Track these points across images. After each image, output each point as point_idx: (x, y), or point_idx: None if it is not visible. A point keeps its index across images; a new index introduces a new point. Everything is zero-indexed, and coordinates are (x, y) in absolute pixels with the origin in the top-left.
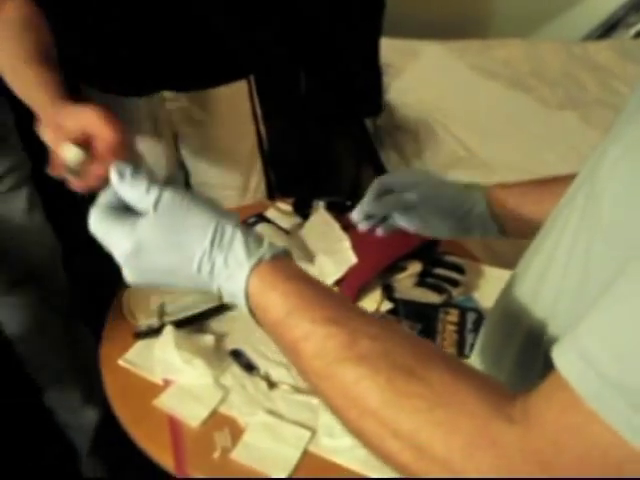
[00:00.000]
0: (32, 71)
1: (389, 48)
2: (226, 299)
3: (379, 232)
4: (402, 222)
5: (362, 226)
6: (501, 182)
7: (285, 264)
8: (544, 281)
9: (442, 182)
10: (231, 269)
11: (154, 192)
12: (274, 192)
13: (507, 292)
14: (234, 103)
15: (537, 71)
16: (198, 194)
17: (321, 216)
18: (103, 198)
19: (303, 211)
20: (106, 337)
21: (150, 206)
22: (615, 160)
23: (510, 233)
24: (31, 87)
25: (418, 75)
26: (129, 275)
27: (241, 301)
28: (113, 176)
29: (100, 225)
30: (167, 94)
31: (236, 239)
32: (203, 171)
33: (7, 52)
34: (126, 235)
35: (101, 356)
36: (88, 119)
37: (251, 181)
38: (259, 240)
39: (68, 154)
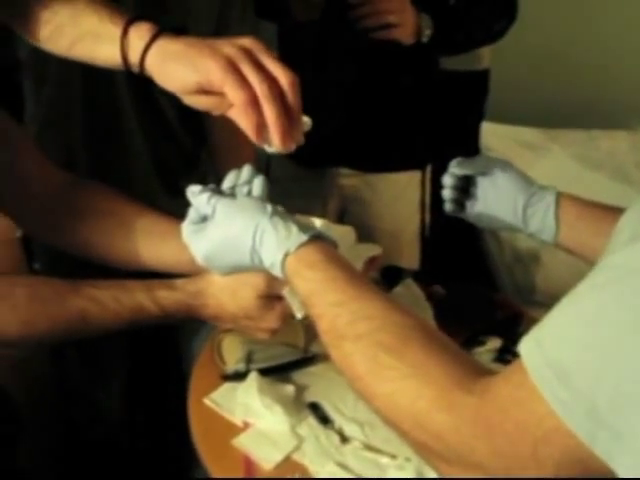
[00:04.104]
0: None
1: (491, 132)
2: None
3: (447, 208)
4: (480, 190)
5: (446, 194)
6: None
7: (311, 251)
8: None
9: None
10: (270, 259)
11: (211, 202)
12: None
13: None
14: (405, 190)
15: None
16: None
17: (408, 287)
18: (189, 215)
19: (390, 280)
20: (196, 376)
21: (209, 213)
22: None
23: (562, 243)
24: None
25: (519, 161)
26: (214, 271)
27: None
28: (189, 193)
29: (186, 236)
30: (344, 170)
31: (268, 235)
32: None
33: None
34: (201, 240)
35: (190, 393)
36: None
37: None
38: (289, 231)
39: None
